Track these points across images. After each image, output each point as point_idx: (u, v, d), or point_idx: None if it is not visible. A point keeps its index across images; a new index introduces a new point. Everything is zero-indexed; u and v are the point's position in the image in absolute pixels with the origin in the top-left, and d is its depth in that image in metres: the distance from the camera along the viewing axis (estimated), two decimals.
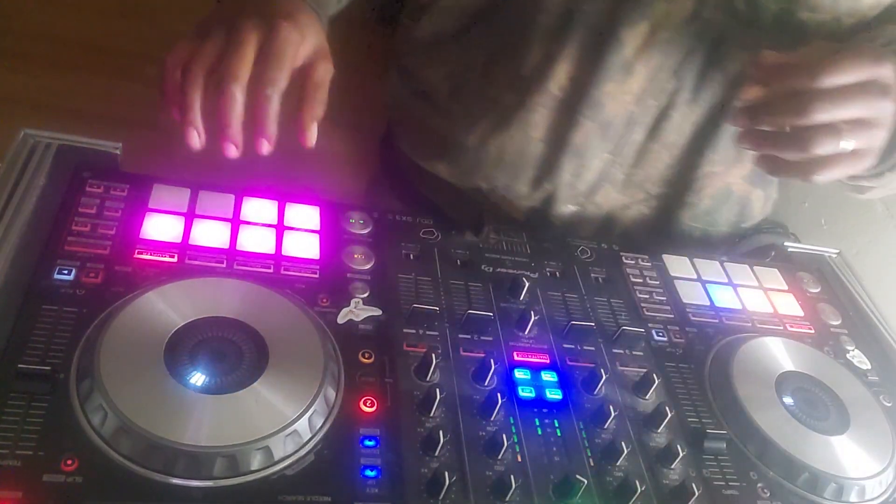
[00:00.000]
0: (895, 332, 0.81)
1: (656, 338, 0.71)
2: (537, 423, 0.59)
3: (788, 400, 0.67)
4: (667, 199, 0.84)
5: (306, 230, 0.69)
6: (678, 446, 0.59)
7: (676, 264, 0.81)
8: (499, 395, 0.58)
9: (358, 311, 0.63)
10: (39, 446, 0.47)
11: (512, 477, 0.53)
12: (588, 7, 0.74)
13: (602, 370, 0.62)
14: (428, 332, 0.64)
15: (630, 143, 0.80)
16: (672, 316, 0.74)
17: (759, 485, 0.61)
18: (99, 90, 2.29)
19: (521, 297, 0.69)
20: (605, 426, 0.61)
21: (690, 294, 0.77)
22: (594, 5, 0.74)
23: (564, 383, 0.63)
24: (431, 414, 0.57)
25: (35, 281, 0.57)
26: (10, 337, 0.53)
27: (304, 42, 0.60)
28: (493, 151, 0.81)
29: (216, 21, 0.60)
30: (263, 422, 0.51)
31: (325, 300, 0.63)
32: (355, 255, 0.68)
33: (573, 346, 0.67)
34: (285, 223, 0.69)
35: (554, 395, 0.62)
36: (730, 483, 0.60)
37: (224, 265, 0.63)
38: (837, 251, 0.92)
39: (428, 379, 0.59)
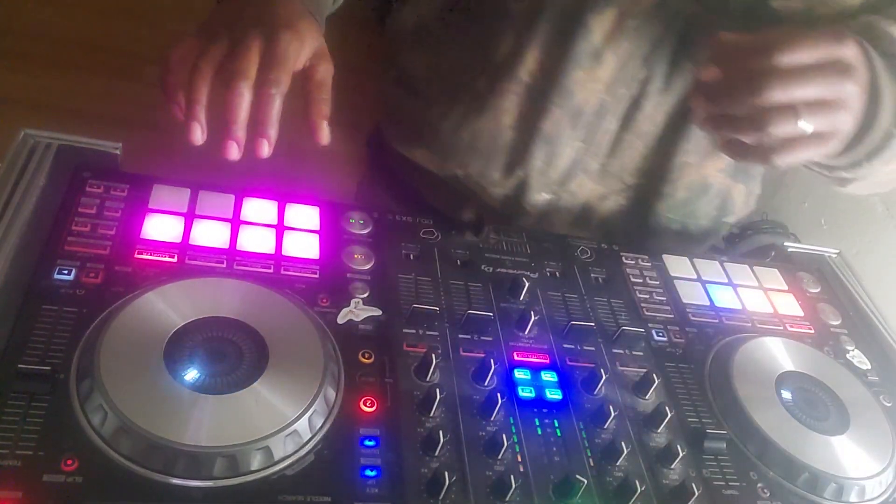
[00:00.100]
0: (895, 332, 0.81)
1: (656, 338, 0.71)
2: (537, 423, 0.59)
3: (788, 400, 0.67)
4: (643, 189, 0.85)
5: (306, 230, 0.69)
6: (678, 446, 0.59)
7: (676, 264, 0.81)
8: (499, 395, 0.58)
9: (358, 311, 0.63)
10: (39, 446, 0.47)
11: (512, 477, 0.53)
12: None
13: (602, 370, 0.62)
14: (428, 332, 0.64)
15: (603, 133, 0.80)
16: (672, 316, 0.74)
17: (759, 485, 0.61)
18: (99, 90, 2.29)
19: (521, 297, 0.69)
20: (605, 426, 0.61)
21: (690, 294, 0.77)
22: None
23: (564, 383, 0.63)
24: (431, 414, 0.57)
25: (35, 281, 0.57)
26: (10, 337, 0.53)
27: (304, 47, 0.60)
28: (467, 137, 0.82)
29: (217, 27, 0.61)
30: (263, 422, 0.51)
31: (325, 300, 0.63)
32: (355, 255, 0.68)
33: (573, 346, 0.67)
34: (285, 223, 0.69)
35: (554, 395, 0.62)
36: (730, 483, 0.60)
37: (224, 265, 0.63)
38: (837, 251, 0.92)
39: (428, 379, 0.59)
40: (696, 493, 0.56)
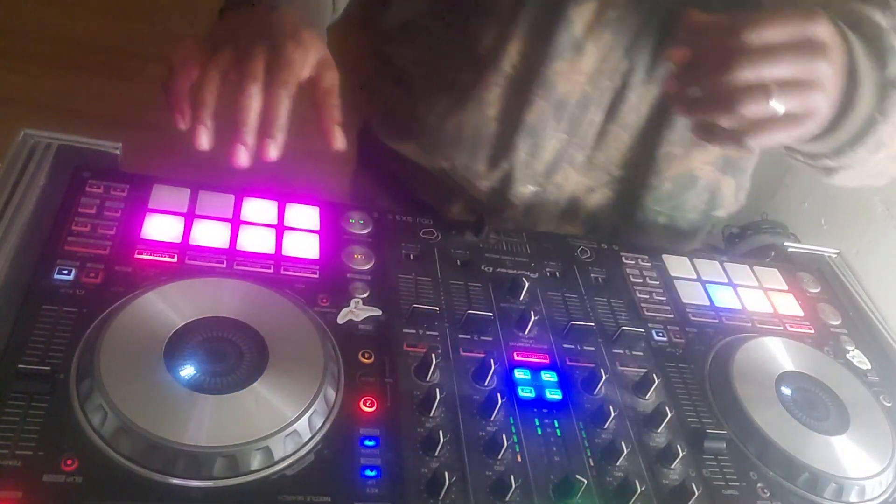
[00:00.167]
0: (895, 332, 0.81)
1: (656, 338, 0.71)
2: (537, 423, 0.59)
3: (788, 400, 0.67)
4: (629, 182, 0.85)
5: (306, 230, 0.69)
6: (678, 446, 0.59)
7: (676, 264, 0.81)
8: (499, 395, 0.58)
9: (358, 311, 0.63)
10: (39, 446, 0.47)
11: (512, 477, 0.53)
12: None
13: (602, 370, 0.62)
14: (428, 332, 0.64)
15: (587, 124, 0.80)
16: (672, 316, 0.74)
17: (759, 485, 0.61)
18: (99, 90, 2.29)
19: (521, 297, 0.69)
20: (605, 426, 0.61)
21: (690, 294, 0.77)
22: None
23: (564, 383, 0.63)
24: (431, 414, 0.57)
25: (35, 281, 0.57)
26: (10, 337, 0.53)
27: (309, 55, 0.61)
28: (452, 130, 0.83)
29: (221, 39, 0.62)
30: (263, 422, 0.51)
31: (325, 300, 0.63)
32: (355, 255, 0.68)
33: (573, 346, 0.67)
34: (285, 223, 0.69)
35: (554, 395, 0.62)
36: (730, 483, 0.60)
37: (224, 265, 0.63)
38: (837, 251, 0.92)
39: (428, 379, 0.59)
40: (696, 493, 0.56)
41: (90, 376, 0.50)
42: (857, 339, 0.78)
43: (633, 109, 0.79)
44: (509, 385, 0.62)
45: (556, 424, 0.60)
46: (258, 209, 0.70)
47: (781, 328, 0.76)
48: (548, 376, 0.63)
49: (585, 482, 0.54)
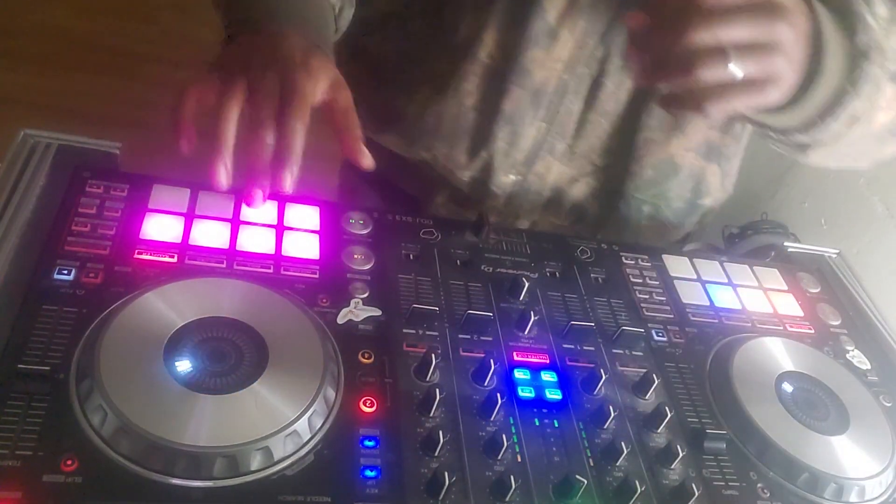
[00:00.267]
0: (895, 332, 0.81)
1: (656, 338, 0.71)
2: (537, 424, 0.59)
3: (788, 400, 0.67)
4: (612, 170, 0.85)
5: (306, 230, 0.69)
6: (678, 446, 0.59)
7: (676, 264, 0.81)
8: (499, 395, 0.58)
9: (358, 311, 0.63)
10: (39, 446, 0.47)
11: (512, 477, 0.53)
12: None
13: (602, 370, 0.62)
14: (428, 333, 0.64)
15: (565, 113, 0.81)
16: (672, 316, 0.74)
17: (759, 485, 0.61)
18: (99, 90, 2.29)
19: (521, 297, 0.69)
20: (605, 426, 0.61)
21: (690, 294, 0.77)
22: None
23: (564, 383, 0.63)
24: (431, 414, 0.57)
25: (35, 281, 0.57)
26: (10, 337, 0.53)
27: (319, 82, 0.62)
28: (431, 121, 0.83)
29: (231, 68, 0.62)
30: (263, 422, 0.51)
31: (324, 300, 0.63)
32: (355, 256, 0.68)
33: (573, 347, 0.67)
34: (285, 223, 0.69)
35: (554, 395, 0.62)
36: (730, 483, 0.60)
37: (224, 265, 0.63)
38: (837, 251, 0.92)
39: (428, 379, 0.59)
40: (696, 494, 0.56)
41: (90, 376, 0.50)
42: (857, 339, 0.78)
43: (611, 97, 0.79)
44: (509, 385, 0.62)
45: (556, 424, 0.60)
46: (258, 209, 0.70)
47: (781, 328, 0.76)
48: (548, 376, 0.63)
49: (585, 482, 0.54)
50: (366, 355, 0.60)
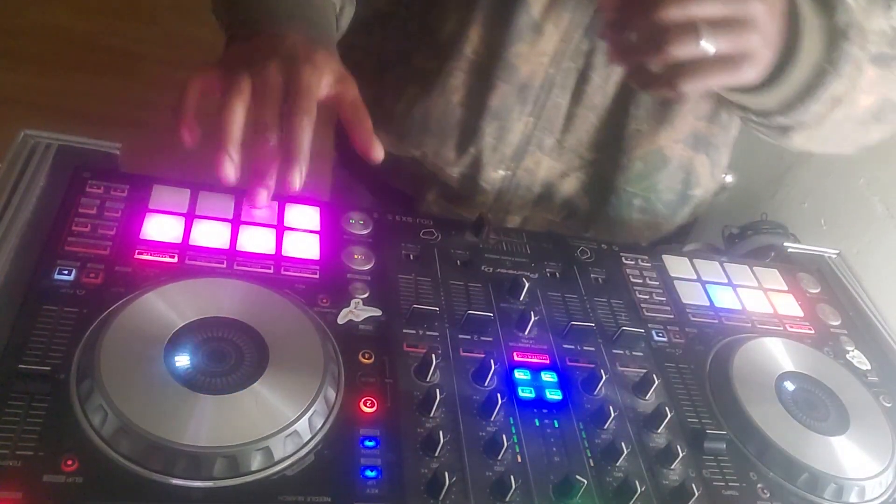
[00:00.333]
0: (895, 333, 0.81)
1: (656, 338, 0.71)
2: (537, 424, 0.59)
3: (788, 400, 0.67)
4: (601, 164, 0.85)
5: (306, 230, 0.69)
6: (678, 447, 0.59)
7: (676, 265, 0.81)
8: (499, 395, 0.58)
9: (358, 311, 0.63)
10: (39, 446, 0.47)
11: (512, 477, 0.53)
12: None
13: (602, 370, 0.62)
14: (428, 333, 0.64)
15: (553, 107, 0.81)
16: (672, 316, 0.74)
17: (759, 485, 0.61)
18: (99, 90, 2.29)
19: (521, 298, 0.69)
20: (605, 426, 0.61)
21: (690, 294, 0.77)
22: None
23: (564, 384, 0.63)
24: (431, 414, 0.57)
25: (35, 281, 0.57)
26: (10, 337, 0.53)
27: (325, 76, 0.62)
28: (419, 118, 0.83)
29: (236, 65, 0.61)
30: (263, 422, 0.51)
31: (325, 300, 0.63)
32: (355, 256, 0.68)
33: (573, 347, 0.67)
34: (285, 223, 0.69)
35: (554, 395, 0.62)
36: (730, 483, 0.60)
37: (224, 266, 0.63)
38: (837, 251, 0.92)
39: (428, 379, 0.59)
40: (696, 494, 0.56)
41: (90, 376, 0.50)
42: (857, 340, 0.78)
43: (598, 90, 0.79)
44: (509, 385, 0.62)
45: (557, 425, 0.60)
46: (258, 209, 0.70)
47: (781, 328, 0.76)
48: (548, 377, 0.63)
49: (585, 482, 0.54)
50: (366, 355, 0.60)
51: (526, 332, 0.66)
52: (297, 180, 0.59)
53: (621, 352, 0.68)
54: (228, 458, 0.49)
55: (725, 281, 0.81)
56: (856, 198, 1.65)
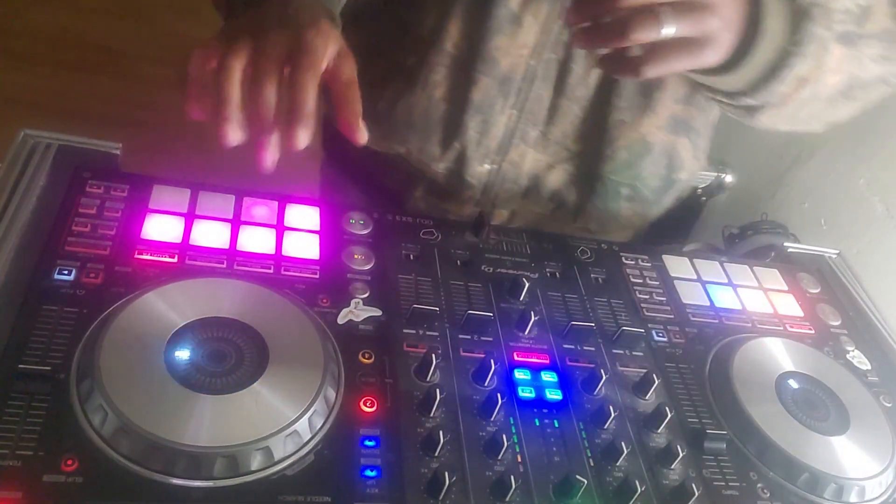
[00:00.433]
0: (895, 333, 0.81)
1: (656, 338, 0.71)
2: (537, 424, 0.59)
3: (788, 400, 0.67)
4: (587, 155, 0.85)
5: (306, 230, 0.69)
6: (678, 446, 0.59)
7: (676, 264, 0.81)
8: (499, 395, 0.58)
9: (358, 311, 0.63)
10: (39, 446, 0.47)
11: (512, 477, 0.53)
12: None
13: (602, 370, 0.62)
14: (428, 333, 0.64)
15: (535, 99, 0.81)
16: (672, 316, 0.74)
17: (759, 485, 0.61)
18: (99, 90, 2.29)
19: (521, 298, 0.69)
20: (605, 426, 0.61)
21: (690, 294, 0.77)
22: None
23: (564, 384, 0.63)
24: (431, 414, 0.57)
25: (35, 281, 0.57)
26: (10, 337, 0.53)
27: (329, 44, 0.60)
28: (402, 115, 0.83)
29: (237, 32, 0.60)
30: (263, 422, 0.51)
31: (325, 300, 0.63)
32: (355, 256, 0.68)
33: (573, 347, 0.67)
34: (285, 223, 0.69)
35: (554, 395, 0.62)
36: (730, 483, 0.60)
37: (224, 265, 0.63)
38: (837, 251, 0.92)
39: (428, 379, 0.59)
40: (696, 494, 0.56)
41: (90, 376, 0.50)
42: (857, 340, 0.78)
43: (580, 81, 0.80)
44: (509, 385, 0.62)
45: (557, 424, 0.60)
46: (258, 209, 0.70)
47: (781, 328, 0.76)
48: (548, 376, 0.63)
49: (585, 482, 0.54)
50: (366, 355, 0.60)
51: (526, 332, 0.66)
52: (303, 138, 0.56)
53: (621, 352, 0.68)
54: (228, 457, 0.49)
55: (725, 281, 0.81)
56: (856, 198, 1.65)
